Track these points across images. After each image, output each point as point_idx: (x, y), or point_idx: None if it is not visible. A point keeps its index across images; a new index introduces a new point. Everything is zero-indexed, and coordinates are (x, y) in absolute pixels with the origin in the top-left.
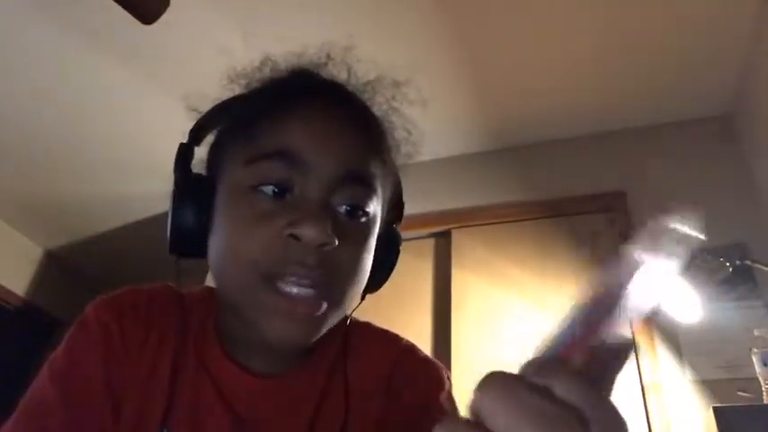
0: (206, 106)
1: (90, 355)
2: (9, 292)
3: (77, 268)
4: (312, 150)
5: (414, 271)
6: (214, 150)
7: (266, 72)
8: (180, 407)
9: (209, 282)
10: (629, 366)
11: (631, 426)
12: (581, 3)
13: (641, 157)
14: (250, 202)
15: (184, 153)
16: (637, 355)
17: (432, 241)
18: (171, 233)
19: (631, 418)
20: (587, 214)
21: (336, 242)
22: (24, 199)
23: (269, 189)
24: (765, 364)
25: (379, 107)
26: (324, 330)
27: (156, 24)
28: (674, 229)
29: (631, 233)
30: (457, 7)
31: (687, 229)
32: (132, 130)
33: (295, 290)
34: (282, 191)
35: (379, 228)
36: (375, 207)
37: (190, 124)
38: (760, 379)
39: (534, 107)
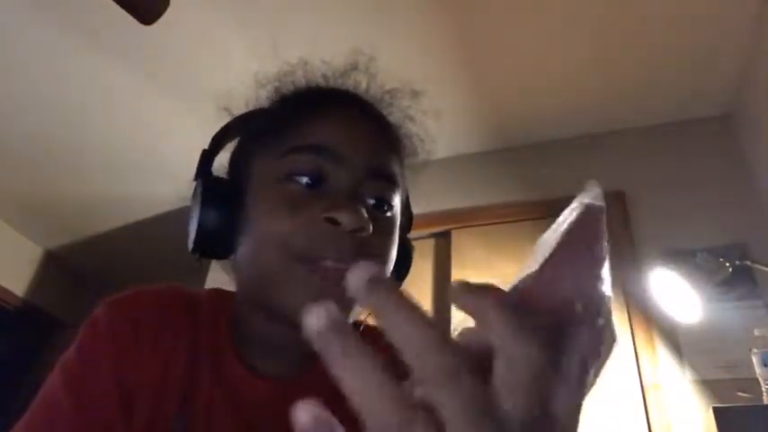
0: (225, 106)
1: (101, 356)
2: (9, 292)
3: (77, 268)
4: (342, 144)
5: (414, 271)
6: (239, 153)
7: (295, 78)
8: (194, 405)
9: (210, 283)
10: (628, 366)
11: (633, 426)
12: (581, 3)
13: (641, 157)
14: (284, 190)
15: (207, 159)
16: (637, 355)
17: (432, 241)
18: (197, 234)
19: (631, 417)
20: None
21: (371, 228)
22: (24, 199)
23: (303, 179)
24: (765, 365)
25: (395, 115)
26: (351, 317)
27: (156, 24)
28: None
29: (631, 233)
30: (457, 7)
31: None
32: (132, 130)
33: (330, 268)
34: (316, 181)
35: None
36: (398, 204)
37: (190, 124)
38: (760, 379)
39: (534, 107)
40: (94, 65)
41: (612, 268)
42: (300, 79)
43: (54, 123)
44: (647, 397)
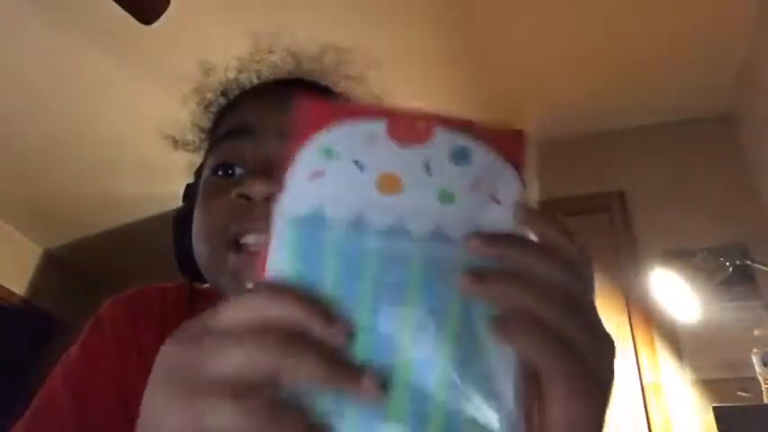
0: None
1: (102, 356)
2: (9, 291)
3: (77, 268)
4: (255, 115)
5: None
6: (198, 169)
7: (238, 78)
8: None
9: None
10: (628, 366)
11: (633, 426)
12: (582, 2)
13: (641, 157)
14: (208, 185)
15: (187, 192)
16: (637, 355)
17: None
18: (177, 261)
19: (632, 417)
20: (587, 214)
21: None
22: (24, 199)
23: (220, 170)
24: (765, 364)
25: (327, 79)
26: None
27: (156, 24)
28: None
29: (631, 233)
30: (458, 7)
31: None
32: (133, 129)
33: (255, 245)
34: (231, 167)
35: None
36: None
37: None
38: (760, 379)
39: (534, 107)
40: (95, 64)
41: (612, 268)
42: (235, 81)
43: (54, 123)
44: (647, 397)
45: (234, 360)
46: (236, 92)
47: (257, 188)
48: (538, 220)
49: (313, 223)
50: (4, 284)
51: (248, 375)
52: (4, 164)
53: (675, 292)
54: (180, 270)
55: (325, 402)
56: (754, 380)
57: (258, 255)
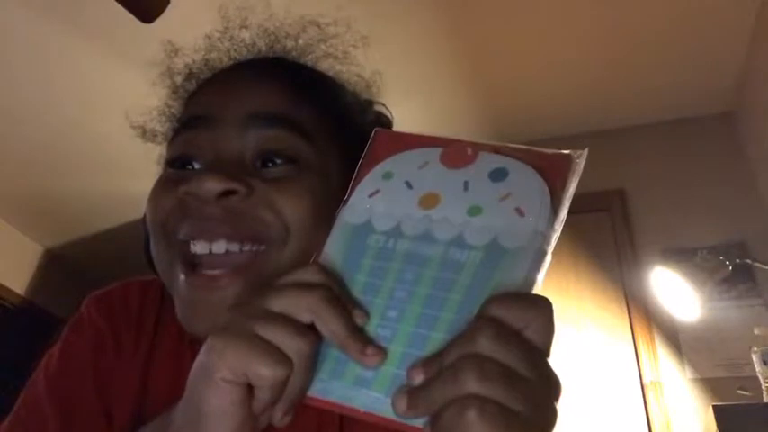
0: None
1: (82, 359)
2: (9, 290)
3: (77, 267)
4: (216, 102)
5: None
6: None
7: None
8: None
9: None
10: (627, 365)
11: (633, 425)
12: (581, 2)
13: (641, 156)
14: (159, 178)
15: None
16: (637, 354)
17: None
18: (146, 256)
19: (631, 416)
20: (587, 212)
21: (242, 188)
22: (24, 198)
23: (179, 162)
24: (765, 363)
25: (308, 57)
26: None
27: (156, 23)
28: None
29: (631, 231)
30: (456, 6)
31: None
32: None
33: (210, 268)
34: (189, 161)
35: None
36: (307, 154)
37: None
38: (760, 377)
39: (533, 105)
40: (94, 63)
41: (612, 267)
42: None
43: (54, 122)
44: (646, 395)
45: (285, 300)
46: (207, 74)
47: (207, 186)
48: (498, 305)
49: (361, 231)
50: (4, 283)
51: (293, 313)
52: (5, 163)
53: (675, 291)
54: (149, 267)
55: (334, 355)
56: (754, 378)
57: (213, 280)
